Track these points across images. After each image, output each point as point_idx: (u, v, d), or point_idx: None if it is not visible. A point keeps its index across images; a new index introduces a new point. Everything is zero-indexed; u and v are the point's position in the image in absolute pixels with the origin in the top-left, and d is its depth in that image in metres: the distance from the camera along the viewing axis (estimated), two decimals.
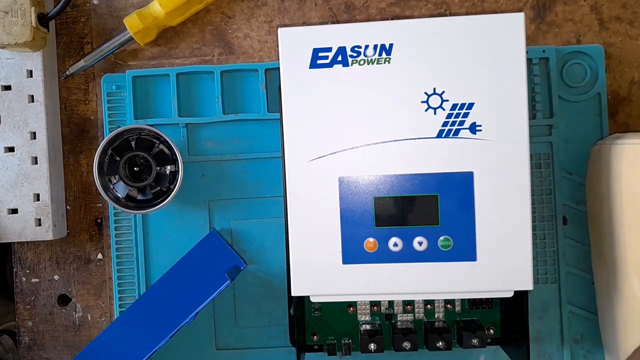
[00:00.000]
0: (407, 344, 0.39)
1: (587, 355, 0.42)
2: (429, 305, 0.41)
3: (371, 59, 0.35)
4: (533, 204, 0.42)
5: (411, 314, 0.42)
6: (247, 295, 0.44)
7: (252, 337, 0.44)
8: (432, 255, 0.35)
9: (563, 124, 0.42)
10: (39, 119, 0.43)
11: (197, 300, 0.39)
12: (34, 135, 0.43)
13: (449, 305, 0.42)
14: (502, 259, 0.34)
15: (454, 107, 0.34)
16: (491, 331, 0.41)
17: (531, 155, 0.41)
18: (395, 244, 0.35)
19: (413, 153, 0.35)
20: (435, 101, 0.35)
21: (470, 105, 0.34)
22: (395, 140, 0.35)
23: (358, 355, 0.41)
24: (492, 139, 0.34)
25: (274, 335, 0.44)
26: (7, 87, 0.43)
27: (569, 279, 0.42)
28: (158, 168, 0.41)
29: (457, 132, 0.34)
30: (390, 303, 0.42)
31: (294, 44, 0.36)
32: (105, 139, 0.39)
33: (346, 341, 0.42)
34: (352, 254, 0.35)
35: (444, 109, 0.34)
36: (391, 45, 0.35)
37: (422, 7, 0.44)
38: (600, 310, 0.40)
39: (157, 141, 0.41)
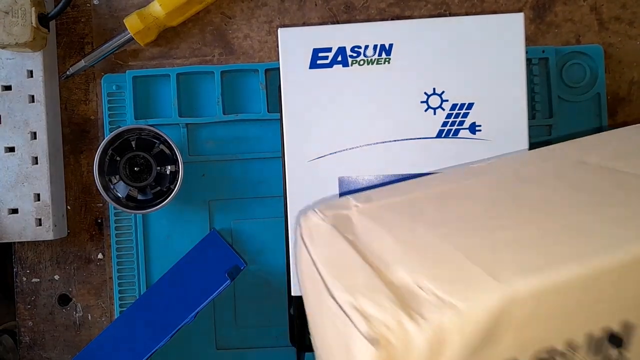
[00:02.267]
0: None
1: None
2: None
3: (371, 59, 0.35)
4: None
5: None
6: (248, 295, 0.44)
7: (252, 337, 0.44)
8: None
9: (563, 124, 0.42)
10: (40, 119, 0.43)
11: (197, 300, 0.39)
12: (34, 136, 0.43)
13: None
14: None
15: (453, 107, 0.34)
16: None
17: None
18: None
19: (413, 153, 0.35)
20: (435, 101, 0.35)
21: (470, 105, 0.34)
22: (395, 140, 0.35)
23: None
24: (492, 139, 0.34)
25: (274, 335, 0.44)
26: (8, 87, 0.43)
27: None
28: (158, 168, 0.41)
29: (456, 132, 0.34)
30: None
31: (294, 44, 0.36)
32: (106, 139, 0.40)
33: None
34: None
35: (443, 109, 0.34)
36: (391, 46, 0.35)
37: (421, 7, 0.44)
38: None
39: (157, 141, 0.41)
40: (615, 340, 0.23)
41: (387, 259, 0.25)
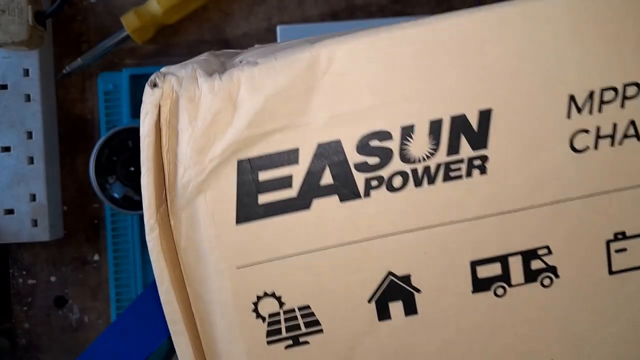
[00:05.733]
0: None
1: None
2: None
3: None
4: None
5: None
6: None
7: None
8: None
9: None
10: (36, 119, 0.42)
11: None
12: (30, 135, 0.42)
13: None
14: None
15: None
16: None
17: None
18: None
19: None
20: None
21: None
22: None
23: None
24: None
25: None
26: (4, 86, 0.42)
27: None
28: None
29: None
30: None
31: None
32: (102, 138, 0.39)
33: None
34: None
35: None
36: None
37: (423, 4, 0.43)
38: None
39: None
40: (470, 132, 0.18)
41: (239, 57, 0.22)
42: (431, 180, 0.18)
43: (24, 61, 0.42)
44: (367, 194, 0.19)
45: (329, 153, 0.18)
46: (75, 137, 0.45)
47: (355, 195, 0.19)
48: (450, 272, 0.19)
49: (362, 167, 0.19)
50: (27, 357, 0.45)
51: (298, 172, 0.19)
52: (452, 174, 0.18)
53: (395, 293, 0.19)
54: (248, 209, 0.19)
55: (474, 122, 0.18)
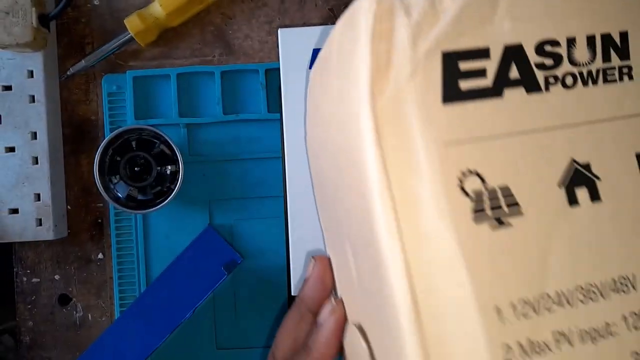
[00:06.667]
0: None
1: None
2: None
3: None
4: None
5: None
6: (248, 295, 0.44)
7: (252, 337, 0.44)
8: None
9: None
10: (40, 119, 0.43)
11: (196, 295, 0.40)
12: (34, 136, 0.43)
13: None
14: None
15: None
16: None
17: None
18: None
19: None
20: None
21: None
22: None
23: None
24: None
25: (274, 335, 0.44)
26: (8, 88, 0.43)
27: None
28: (158, 168, 0.41)
29: None
30: None
31: (294, 44, 0.36)
32: (106, 139, 0.40)
33: None
34: None
35: None
36: None
37: None
38: None
39: (157, 141, 0.41)
40: (616, 47, 0.23)
41: None
42: (594, 81, 0.23)
43: (28, 63, 0.43)
44: (547, 89, 0.23)
45: (514, 53, 0.22)
46: (79, 138, 0.45)
47: (538, 88, 0.22)
48: (624, 160, 0.23)
49: (540, 66, 0.23)
50: (31, 355, 0.45)
51: (490, 66, 0.22)
52: (609, 78, 0.23)
53: (580, 179, 0.22)
54: (452, 93, 0.22)
55: (617, 40, 0.23)
